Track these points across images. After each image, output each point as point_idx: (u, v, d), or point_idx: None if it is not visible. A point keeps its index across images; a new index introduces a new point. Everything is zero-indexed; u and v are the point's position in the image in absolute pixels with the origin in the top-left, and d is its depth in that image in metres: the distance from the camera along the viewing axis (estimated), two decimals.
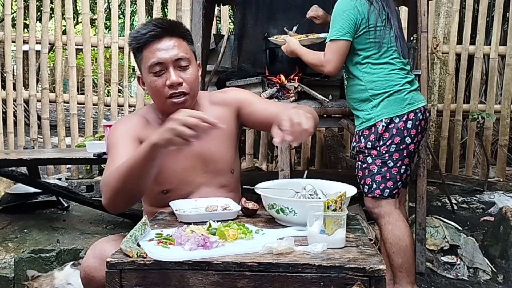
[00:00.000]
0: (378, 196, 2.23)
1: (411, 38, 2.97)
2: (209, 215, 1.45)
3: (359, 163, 2.28)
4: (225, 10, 4.66)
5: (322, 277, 1.10)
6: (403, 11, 4.35)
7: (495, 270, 2.84)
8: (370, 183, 2.23)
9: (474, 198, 3.97)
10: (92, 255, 1.46)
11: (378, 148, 2.21)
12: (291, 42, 2.53)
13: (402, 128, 2.21)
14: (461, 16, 4.72)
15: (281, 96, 2.94)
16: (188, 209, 1.56)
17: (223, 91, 1.86)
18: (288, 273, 1.10)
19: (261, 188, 1.52)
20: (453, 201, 3.79)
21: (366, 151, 2.24)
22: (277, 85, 2.99)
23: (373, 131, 2.22)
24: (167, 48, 1.59)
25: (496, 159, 4.59)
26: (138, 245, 1.21)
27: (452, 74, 4.54)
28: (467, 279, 2.78)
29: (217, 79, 3.25)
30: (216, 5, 3.65)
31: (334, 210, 1.25)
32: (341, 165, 4.49)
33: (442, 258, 2.90)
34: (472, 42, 4.47)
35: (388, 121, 2.20)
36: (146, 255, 1.14)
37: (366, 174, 2.24)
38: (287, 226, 1.42)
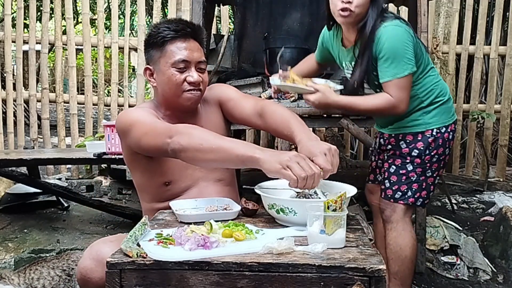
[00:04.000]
0: (411, 204, 2.15)
1: None
2: (209, 215, 1.45)
3: (394, 167, 2.16)
4: (225, 10, 4.66)
5: (322, 277, 1.10)
6: (403, 11, 4.36)
7: (495, 270, 2.84)
8: (405, 190, 2.14)
9: (474, 198, 3.97)
10: (89, 256, 1.46)
11: (423, 157, 2.11)
12: (326, 91, 2.06)
13: (447, 139, 2.13)
14: (461, 16, 4.72)
15: (281, 96, 2.94)
16: (188, 209, 1.56)
17: (209, 89, 1.92)
18: (288, 273, 1.10)
19: (261, 188, 1.53)
20: (453, 201, 3.79)
21: (408, 157, 2.12)
22: None
23: (419, 138, 2.11)
24: (193, 49, 1.71)
25: (496, 159, 4.59)
26: (138, 245, 1.21)
27: (452, 74, 4.54)
28: (467, 279, 2.78)
29: (217, 79, 3.25)
30: (216, 5, 3.65)
31: (334, 210, 1.25)
32: (341, 165, 4.48)
33: (442, 258, 2.90)
34: (472, 42, 4.47)
35: (437, 130, 2.11)
36: (146, 255, 1.14)
37: (403, 180, 2.14)
38: (287, 226, 1.42)
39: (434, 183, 2.19)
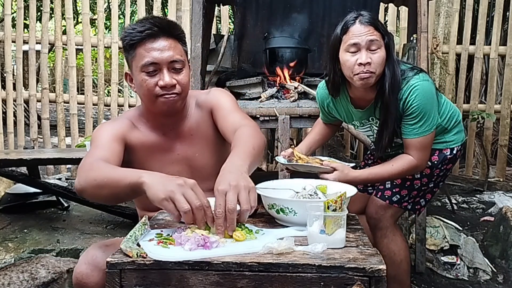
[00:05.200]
0: (403, 208, 2.14)
1: (411, 38, 2.97)
2: None
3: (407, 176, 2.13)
4: (225, 10, 4.66)
5: (322, 277, 1.09)
6: (403, 11, 4.36)
7: (495, 270, 2.84)
8: (404, 195, 2.12)
9: (474, 198, 3.97)
10: (84, 261, 1.44)
11: (433, 170, 2.10)
12: (344, 169, 1.94)
13: (458, 157, 2.14)
14: (461, 16, 4.72)
15: (281, 96, 2.94)
16: None
17: (207, 92, 1.80)
18: (288, 273, 1.10)
19: (261, 188, 1.52)
20: (453, 201, 3.79)
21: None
22: (277, 85, 2.99)
23: (436, 154, 2.09)
24: (163, 49, 1.56)
25: (496, 159, 4.59)
26: (138, 245, 1.21)
27: (452, 74, 4.54)
28: (467, 279, 2.78)
29: (217, 79, 3.25)
30: (216, 5, 3.66)
31: (334, 210, 1.25)
32: None
33: (442, 258, 2.90)
34: (472, 42, 4.47)
35: (457, 149, 2.11)
36: (146, 255, 1.14)
37: (406, 185, 2.11)
38: (287, 226, 1.42)
39: (432, 192, 2.19)
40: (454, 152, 2.11)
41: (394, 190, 2.13)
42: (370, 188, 2.30)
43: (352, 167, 2.01)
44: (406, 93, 1.90)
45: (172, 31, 1.59)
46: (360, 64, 1.84)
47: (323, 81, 2.15)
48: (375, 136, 2.08)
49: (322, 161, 1.98)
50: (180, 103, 1.62)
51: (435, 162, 2.09)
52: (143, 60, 1.55)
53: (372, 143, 2.20)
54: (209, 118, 1.72)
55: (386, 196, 2.14)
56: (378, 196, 2.15)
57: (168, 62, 1.56)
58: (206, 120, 1.72)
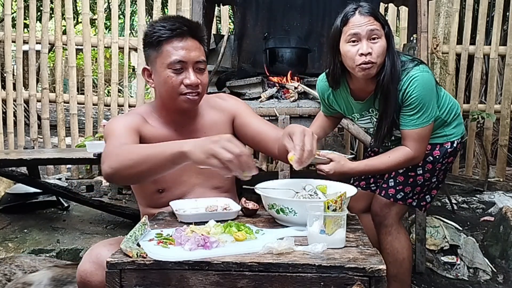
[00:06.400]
0: (408, 204, 2.15)
1: (411, 38, 2.97)
2: (209, 215, 1.45)
3: (404, 168, 2.11)
4: (225, 10, 4.66)
5: (322, 277, 1.10)
6: (403, 11, 4.36)
7: (495, 270, 2.84)
8: (408, 192, 2.12)
9: (474, 198, 3.97)
10: (88, 259, 1.45)
11: (435, 164, 2.10)
12: (340, 160, 1.94)
13: (458, 149, 2.14)
14: (461, 16, 4.72)
15: (281, 96, 2.94)
16: (188, 209, 1.56)
17: (221, 97, 1.86)
18: (288, 273, 1.10)
19: (261, 188, 1.52)
20: (453, 201, 3.79)
21: (421, 162, 2.07)
22: (277, 85, 2.99)
23: (437, 148, 2.09)
24: (191, 49, 1.61)
25: (496, 159, 4.59)
26: (138, 245, 1.21)
27: (452, 74, 4.53)
28: (467, 279, 2.78)
29: (217, 79, 3.26)
30: (216, 5, 3.66)
31: (334, 210, 1.25)
32: None
33: (442, 258, 2.90)
34: (472, 42, 4.47)
35: (457, 142, 2.11)
36: (146, 255, 1.14)
37: (409, 182, 2.11)
38: (287, 226, 1.42)
39: (437, 188, 2.19)
40: (455, 145, 2.11)
41: (397, 188, 2.13)
42: (373, 185, 2.31)
43: (350, 159, 2.02)
44: (405, 84, 1.90)
45: (198, 32, 1.66)
46: (362, 54, 1.85)
47: (323, 73, 2.15)
48: (374, 128, 2.08)
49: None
50: (199, 102, 1.68)
51: (437, 156, 2.09)
52: (171, 58, 1.60)
53: (371, 136, 2.20)
54: (229, 122, 1.79)
55: (390, 194, 2.14)
56: (382, 194, 2.16)
57: (194, 62, 1.62)
58: (225, 123, 1.78)
